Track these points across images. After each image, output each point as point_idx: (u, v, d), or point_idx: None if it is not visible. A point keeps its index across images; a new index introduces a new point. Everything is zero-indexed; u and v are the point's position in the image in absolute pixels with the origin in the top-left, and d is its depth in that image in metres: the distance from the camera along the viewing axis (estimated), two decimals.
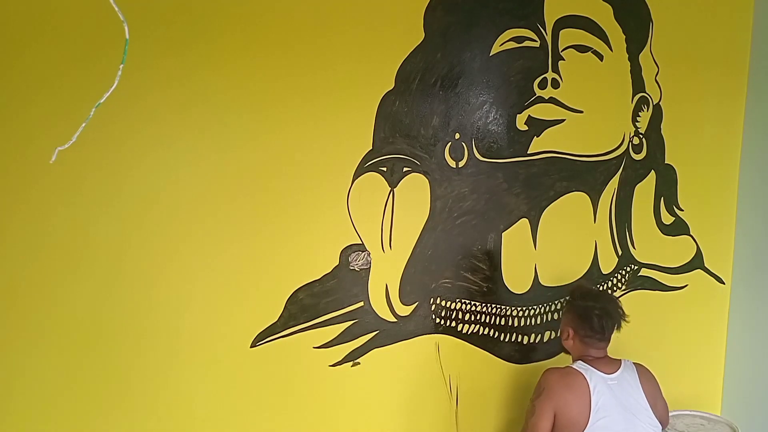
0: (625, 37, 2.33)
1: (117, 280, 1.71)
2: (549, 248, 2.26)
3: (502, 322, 2.22)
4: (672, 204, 2.53)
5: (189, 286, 1.79)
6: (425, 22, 1.99)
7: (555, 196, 2.26)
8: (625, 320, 1.84)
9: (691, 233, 2.58)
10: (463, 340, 2.17)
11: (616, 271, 2.44)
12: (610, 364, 1.80)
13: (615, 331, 1.82)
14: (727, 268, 2.68)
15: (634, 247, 2.47)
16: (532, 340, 2.29)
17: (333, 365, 1.99)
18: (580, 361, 1.79)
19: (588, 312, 1.79)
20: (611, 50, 2.30)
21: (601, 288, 2.40)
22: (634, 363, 1.86)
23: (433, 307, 2.10)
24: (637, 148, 2.41)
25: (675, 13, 2.42)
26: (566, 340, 1.85)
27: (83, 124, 1.63)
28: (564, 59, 2.20)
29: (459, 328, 2.15)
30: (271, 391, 1.92)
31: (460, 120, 2.06)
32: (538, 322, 2.29)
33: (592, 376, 1.73)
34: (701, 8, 2.48)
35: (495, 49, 2.09)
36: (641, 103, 2.40)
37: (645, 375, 1.84)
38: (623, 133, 2.38)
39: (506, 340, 2.24)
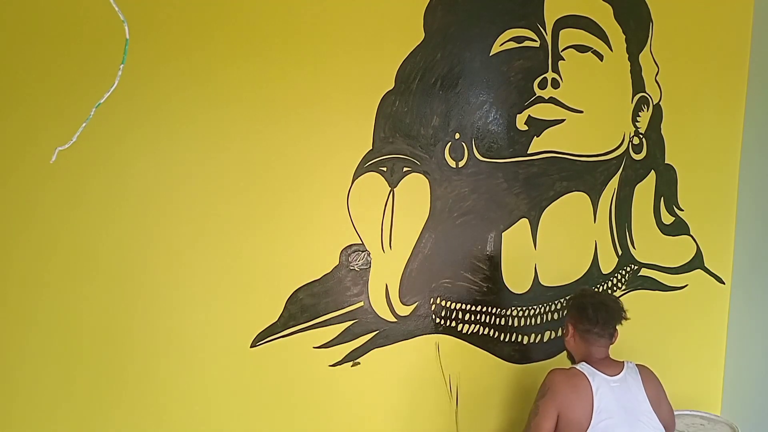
0: (625, 37, 2.32)
1: (116, 280, 1.71)
2: (549, 248, 2.26)
3: (502, 322, 2.22)
4: (672, 204, 2.53)
5: (189, 286, 1.79)
6: (425, 22, 1.99)
7: (555, 196, 2.26)
8: (624, 317, 1.85)
9: (691, 233, 2.58)
10: (463, 340, 2.17)
11: (616, 271, 2.43)
12: (613, 366, 1.80)
13: (615, 329, 1.82)
14: (727, 268, 2.68)
15: (634, 247, 2.47)
16: (532, 340, 2.29)
17: (333, 365, 1.99)
18: (583, 363, 1.80)
19: (583, 305, 1.83)
20: (611, 50, 2.30)
21: (601, 288, 2.40)
22: (637, 365, 1.86)
23: (433, 307, 2.10)
24: (637, 148, 2.41)
25: (675, 13, 2.42)
26: (567, 339, 1.88)
27: (83, 124, 1.63)
28: (564, 59, 2.20)
29: (459, 328, 2.15)
30: (271, 391, 1.92)
31: (460, 120, 2.06)
32: (538, 322, 2.28)
33: (595, 377, 1.74)
34: (701, 8, 2.47)
35: (495, 48, 2.09)
36: (641, 103, 2.40)
37: (648, 377, 1.85)
38: (623, 133, 2.38)
39: (506, 340, 2.24)
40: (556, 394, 1.73)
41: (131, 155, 1.70)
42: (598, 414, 1.70)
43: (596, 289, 1.97)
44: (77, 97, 1.62)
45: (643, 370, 1.85)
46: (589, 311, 1.80)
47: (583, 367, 1.78)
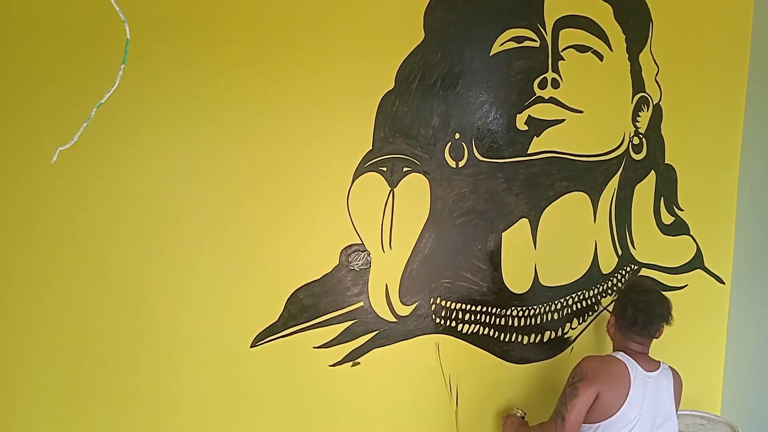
0: (625, 37, 2.33)
1: (117, 280, 1.71)
2: (549, 248, 2.26)
3: (502, 322, 2.22)
4: (672, 204, 2.53)
5: (189, 286, 1.80)
6: (425, 22, 1.99)
7: (555, 196, 2.26)
8: (668, 323, 1.87)
9: (691, 233, 2.58)
10: (463, 340, 2.17)
11: (616, 271, 2.44)
12: (649, 363, 1.83)
13: (656, 330, 1.85)
14: (727, 268, 2.68)
15: (634, 247, 2.47)
16: (532, 340, 2.29)
17: (333, 365, 1.99)
18: (621, 352, 1.83)
19: (626, 303, 1.85)
20: (611, 50, 2.30)
21: (601, 288, 2.40)
22: (670, 367, 1.89)
23: (433, 307, 2.10)
24: (637, 148, 2.41)
25: (675, 13, 2.42)
26: (608, 327, 1.94)
27: (84, 124, 1.63)
28: (564, 59, 2.20)
29: (459, 328, 2.15)
30: (271, 391, 1.93)
31: (460, 120, 2.07)
32: (538, 322, 2.28)
33: (633, 367, 1.77)
34: (701, 8, 2.48)
35: (495, 48, 2.10)
36: (641, 103, 2.40)
37: (677, 383, 1.88)
38: (623, 133, 2.38)
39: (506, 340, 2.24)
40: (596, 379, 1.74)
41: (132, 155, 1.70)
42: (630, 403, 1.72)
43: (654, 287, 1.95)
44: (78, 97, 1.62)
45: (675, 375, 1.88)
46: (629, 311, 1.83)
47: (621, 355, 1.80)
